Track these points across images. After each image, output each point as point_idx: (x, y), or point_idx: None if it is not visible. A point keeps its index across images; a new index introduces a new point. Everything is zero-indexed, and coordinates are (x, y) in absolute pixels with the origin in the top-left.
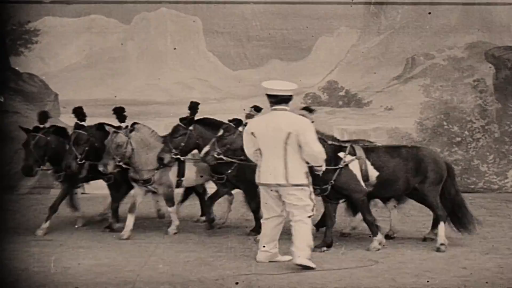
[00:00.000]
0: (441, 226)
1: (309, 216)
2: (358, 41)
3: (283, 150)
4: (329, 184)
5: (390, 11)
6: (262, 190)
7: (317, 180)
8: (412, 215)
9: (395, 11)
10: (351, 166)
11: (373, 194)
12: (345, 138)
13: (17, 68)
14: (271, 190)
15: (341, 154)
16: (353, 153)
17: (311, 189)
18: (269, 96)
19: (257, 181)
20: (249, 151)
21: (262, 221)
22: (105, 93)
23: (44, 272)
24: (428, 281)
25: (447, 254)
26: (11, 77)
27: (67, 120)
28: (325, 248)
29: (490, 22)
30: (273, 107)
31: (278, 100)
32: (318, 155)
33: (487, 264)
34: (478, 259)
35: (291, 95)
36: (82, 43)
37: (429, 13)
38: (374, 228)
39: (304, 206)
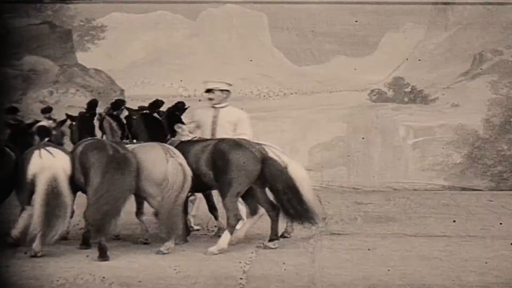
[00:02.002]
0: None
1: None
2: (424, 37)
3: None
4: None
5: (458, 7)
6: None
7: None
8: (478, 213)
9: (462, 7)
10: None
11: None
12: (411, 135)
13: (84, 64)
14: None
15: None
16: None
17: None
18: None
19: None
20: None
21: None
22: (171, 88)
23: (109, 265)
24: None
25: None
26: (78, 72)
27: None
28: None
29: None
30: None
31: None
32: None
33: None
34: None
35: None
36: (148, 39)
37: None
38: None
39: None
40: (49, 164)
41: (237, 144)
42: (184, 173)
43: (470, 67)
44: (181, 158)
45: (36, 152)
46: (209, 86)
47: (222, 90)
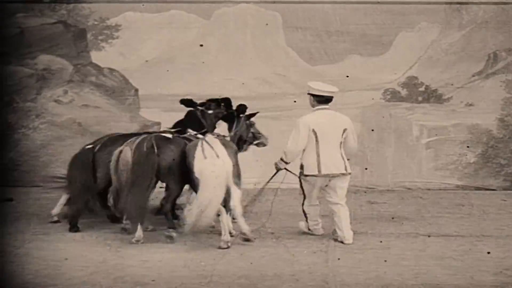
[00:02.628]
0: None
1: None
2: (438, 36)
3: (339, 143)
4: None
5: (472, 6)
6: (310, 181)
7: None
8: (491, 212)
9: (477, 6)
10: None
11: None
12: (425, 135)
13: (98, 63)
14: (329, 180)
15: None
16: None
17: None
18: (314, 96)
19: (312, 172)
20: (299, 146)
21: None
22: (185, 88)
23: (122, 264)
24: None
25: None
26: (92, 72)
27: (147, 115)
28: None
29: None
30: (319, 106)
31: (321, 100)
32: (354, 150)
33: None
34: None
35: (332, 96)
36: (162, 39)
37: None
38: None
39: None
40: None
41: None
42: None
43: (484, 66)
44: None
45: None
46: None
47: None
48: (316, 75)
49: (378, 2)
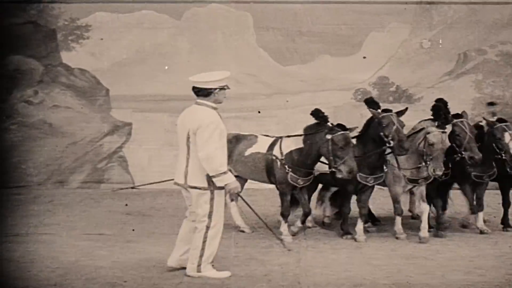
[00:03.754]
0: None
1: (207, 225)
2: (409, 36)
3: (186, 148)
4: None
5: (442, 6)
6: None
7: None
8: (465, 212)
9: (447, 6)
10: None
11: None
12: None
13: (68, 64)
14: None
15: None
16: None
17: (214, 194)
18: (192, 88)
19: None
20: None
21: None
22: (156, 88)
23: (94, 265)
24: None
25: (498, 251)
26: (62, 72)
27: (118, 116)
28: None
29: None
30: (195, 101)
31: (197, 93)
32: (204, 160)
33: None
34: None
35: (210, 88)
36: (133, 39)
37: None
38: None
39: (201, 212)
40: None
41: None
42: None
43: (454, 66)
44: None
45: None
46: None
47: None
48: (287, 75)
49: (349, 2)
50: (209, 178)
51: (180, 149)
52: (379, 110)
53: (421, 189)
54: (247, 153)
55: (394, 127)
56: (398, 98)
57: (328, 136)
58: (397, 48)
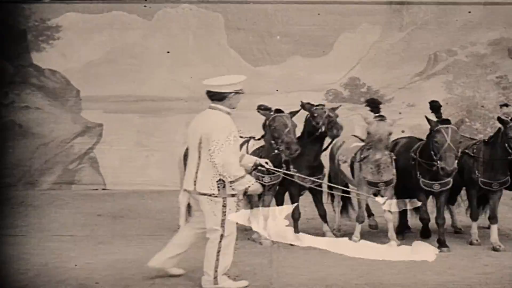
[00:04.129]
0: None
1: (221, 234)
2: (380, 37)
3: (197, 153)
4: None
5: (413, 7)
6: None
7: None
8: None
9: (417, 7)
10: None
11: None
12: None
13: (39, 64)
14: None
15: None
16: None
17: (226, 201)
18: (206, 92)
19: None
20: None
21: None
22: (127, 89)
23: (65, 267)
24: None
25: (469, 251)
26: (33, 73)
27: (89, 116)
28: None
29: None
30: (209, 105)
31: (211, 97)
32: (221, 166)
33: (510, 261)
34: (500, 256)
35: (224, 92)
36: (104, 39)
37: None
38: None
39: (214, 221)
40: None
41: None
42: None
43: (425, 67)
44: None
45: None
46: None
47: None
48: (258, 75)
49: (320, 3)
50: (220, 185)
51: (190, 155)
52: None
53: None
54: None
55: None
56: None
57: (267, 122)
58: (368, 49)
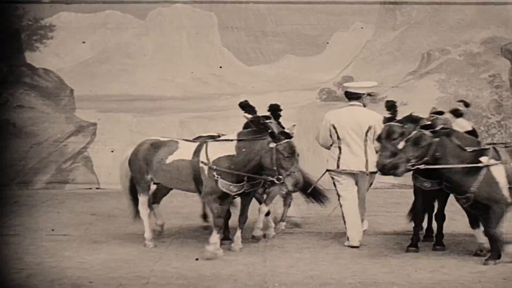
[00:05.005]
0: None
1: None
2: (373, 36)
3: (363, 141)
4: (469, 193)
5: (406, 7)
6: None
7: (457, 189)
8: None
9: (410, 7)
10: (494, 172)
11: None
12: None
13: (32, 64)
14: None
15: (483, 159)
16: (497, 157)
17: None
18: (346, 93)
19: (332, 167)
20: (321, 140)
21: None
22: (120, 88)
23: (59, 266)
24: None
25: (463, 250)
26: (26, 72)
27: (83, 116)
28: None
29: (506, 18)
30: (349, 103)
31: (349, 96)
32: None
33: (503, 259)
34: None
35: (363, 93)
36: (97, 39)
37: None
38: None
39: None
40: None
41: None
42: None
43: (418, 66)
44: None
45: None
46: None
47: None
48: (252, 75)
49: (314, 3)
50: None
51: (350, 142)
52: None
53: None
54: (168, 160)
55: (297, 163)
56: None
57: (272, 145)
58: (361, 48)
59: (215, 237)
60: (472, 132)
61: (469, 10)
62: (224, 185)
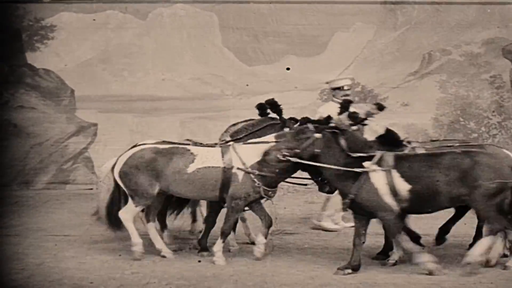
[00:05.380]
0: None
1: None
2: (374, 36)
3: None
4: (348, 198)
5: (407, 7)
6: None
7: (340, 192)
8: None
9: (411, 7)
10: (373, 178)
11: (408, 210)
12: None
13: (33, 64)
14: None
15: (366, 164)
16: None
17: None
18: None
19: None
20: None
21: None
22: (121, 88)
23: (59, 267)
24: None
25: (463, 250)
26: (27, 72)
27: (83, 116)
28: (349, 271)
29: (507, 18)
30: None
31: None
32: None
33: (502, 260)
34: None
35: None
36: (98, 39)
37: None
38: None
39: None
40: None
41: None
42: None
43: (419, 66)
44: None
45: None
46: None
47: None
48: (252, 75)
49: (314, 3)
50: None
51: None
52: None
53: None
54: (190, 169)
55: None
56: (363, 98)
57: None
58: (362, 48)
59: (220, 246)
60: (387, 136)
61: (470, 10)
62: (264, 190)
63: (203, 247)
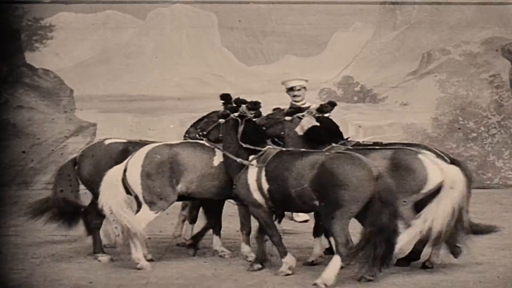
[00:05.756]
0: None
1: None
2: (373, 36)
3: None
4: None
5: (406, 7)
6: None
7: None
8: None
9: (410, 7)
10: (248, 173)
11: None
12: (360, 134)
13: (32, 64)
14: None
15: (251, 157)
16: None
17: None
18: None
19: None
20: None
21: None
22: (120, 88)
23: (59, 267)
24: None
25: (462, 250)
26: (26, 72)
27: (83, 116)
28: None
29: (506, 18)
30: None
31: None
32: None
33: (502, 260)
34: (493, 255)
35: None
36: (97, 39)
37: None
38: (281, 248)
39: None
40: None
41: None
42: None
43: (418, 66)
44: None
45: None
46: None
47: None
48: (252, 75)
49: (314, 3)
50: None
51: None
52: None
53: None
54: (216, 162)
55: None
56: (362, 98)
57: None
58: (361, 48)
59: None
60: (309, 133)
61: (469, 10)
62: None
63: (196, 244)
